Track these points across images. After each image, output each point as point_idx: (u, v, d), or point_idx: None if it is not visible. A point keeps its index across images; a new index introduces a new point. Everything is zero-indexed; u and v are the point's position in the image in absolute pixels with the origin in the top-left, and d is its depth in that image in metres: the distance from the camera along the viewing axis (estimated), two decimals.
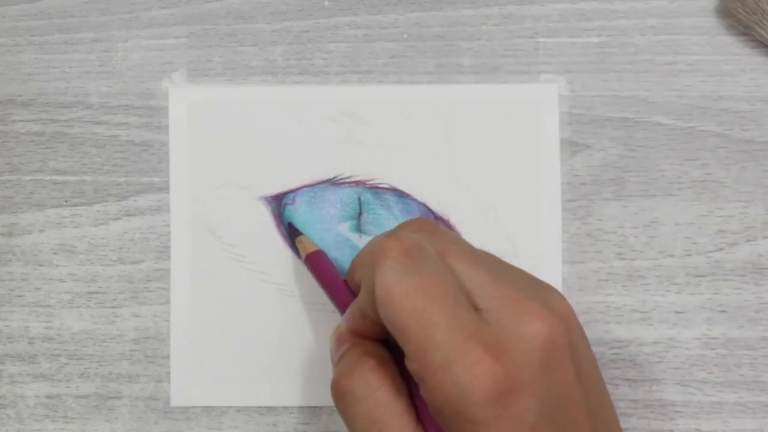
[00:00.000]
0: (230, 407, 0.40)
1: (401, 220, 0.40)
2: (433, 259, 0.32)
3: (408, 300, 0.31)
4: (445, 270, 0.32)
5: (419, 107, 0.41)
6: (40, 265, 0.41)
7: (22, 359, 0.41)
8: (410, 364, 0.31)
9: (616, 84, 0.41)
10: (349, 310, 0.34)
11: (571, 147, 0.41)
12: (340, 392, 0.33)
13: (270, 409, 0.40)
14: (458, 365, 0.30)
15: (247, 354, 0.40)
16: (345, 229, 0.40)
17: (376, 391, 0.32)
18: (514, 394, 0.30)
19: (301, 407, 0.40)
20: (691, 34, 0.41)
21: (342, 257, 0.40)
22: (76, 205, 0.41)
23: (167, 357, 0.40)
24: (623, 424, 0.40)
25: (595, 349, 0.39)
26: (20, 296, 0.41)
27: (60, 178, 0.41)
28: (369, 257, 0.33)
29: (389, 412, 0.32)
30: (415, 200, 0.41)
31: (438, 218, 0.40)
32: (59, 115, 0.41)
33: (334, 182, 0.41)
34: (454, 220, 0.40)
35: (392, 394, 0.32)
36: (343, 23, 0.42)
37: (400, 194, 0.41)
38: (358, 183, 0.41)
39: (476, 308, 0.31)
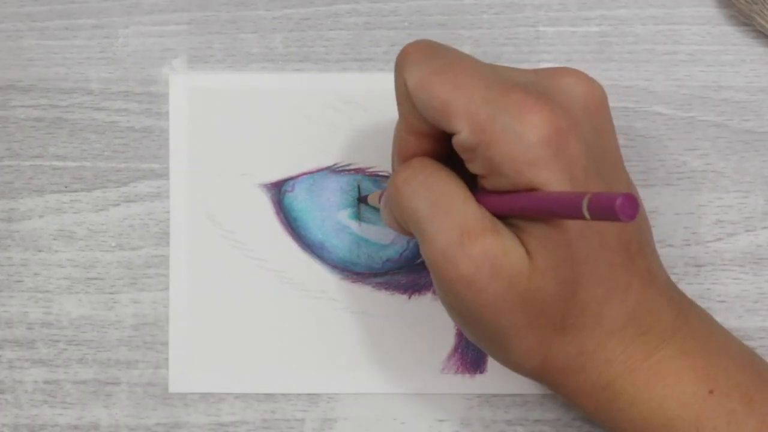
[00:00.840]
0: (228, 394, 0.40)
1: None
2: (450, 47, 0.33)
3: (440, 76, 0.31)
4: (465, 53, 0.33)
5: None
6: (40, 251, 0.41)
7: (21, 345, 0.41)
8: (459, 137, 0.31)
9: (616, 73, 0.41)
10: (394, 141, 0.34)
11: None
12: (401, 179, 0.32)
13: (268, 396, 0.40)
14: (507, 113, 0.30)
15: (245, 341, 0.40)
16: (344, 216, 0.41)
17: (439, 170, 0.32)
18: (565, 136, 0.30)
19: (299, 394, 0.40)
20: (691, 24, 0.41)
21: (341, 244, 0.40)
22: (75, 191, 0.41)
23: (166, 343, 0.40)
24: None
25: None
26: (19, 282, 0.41)
27: (60, 163, 0.41)
28: (395, 73, 0.33)
29: (451, 184, 0.32)
30: None
31: None
32: (59, 100, 0.41)
33: (333, 170, 0.41)
34: None
35: (451, 174, 0.32)
36: (344, 11, 0.42)
37: None
38: (357, 170, 0.41)
39: None
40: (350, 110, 0.41)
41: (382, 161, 0.41)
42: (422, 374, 0.40)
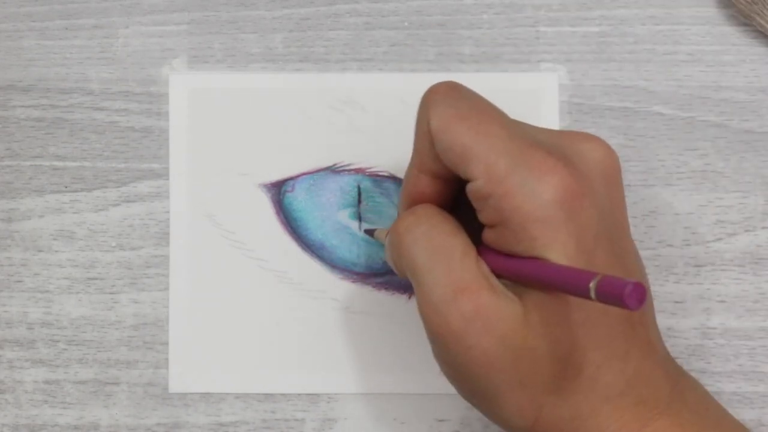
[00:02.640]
0: (228, 394, 0.40)
1: None
2: (476, 93, 0.33)
3: (464, 120, 0.31)
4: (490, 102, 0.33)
5: (419, 95, 0.41)
6: (40, 251, 0.41)
7: (21, 345, 0.41)
8: (474, 185, 0.31)
9: (616, 73, 0.41)
10: (404, 180, 0.34)
11: None
12: (403, 227, 0.33)
13: (268, 396, 0.40)
14: (525, 168, 0.30)
15: (245, 341, 0.40)
16: (344, 216, 0.41)
17: (442, 222, 0.32)
18: (580, 200, 0.30)
19: (299, 394, 0.40)
20: (691, 24, 0.41)
21: (341, 244, 0.40)
22: (75, 191, 0.41)
23: (166, 343, 0.40)
24: None
25: None
26: (19, 282, 0.41)
27: (60, 163, 0.41)
28: (420, 110, 0.33)
29: (452, 238, 0.32)
30: None
31: None
32: (59, 101, 0.41)
33: (333, 170, 0.41)
34: None
35: (455, 227, 0.32)
36: (344, 11, 0.42)
37: (400, 182, 0.41)
38: (357, 171, 0.41)
39: None
40: (350, 110, 0.41)
41: (382, 161, 0.41)
42: (422, 374, 0.40)
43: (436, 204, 0.34)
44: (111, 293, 0.41)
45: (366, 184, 0.41)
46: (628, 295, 0.25)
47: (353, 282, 0.40)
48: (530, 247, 0.30)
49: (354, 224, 0.40)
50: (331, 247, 0.40)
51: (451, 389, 0.40)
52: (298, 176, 0.41)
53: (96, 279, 0.41)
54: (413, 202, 0.34)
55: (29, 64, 0.42)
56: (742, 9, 0.40)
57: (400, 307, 0.40)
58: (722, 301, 0.40)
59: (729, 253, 0.40)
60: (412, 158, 0.34)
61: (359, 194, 0.41)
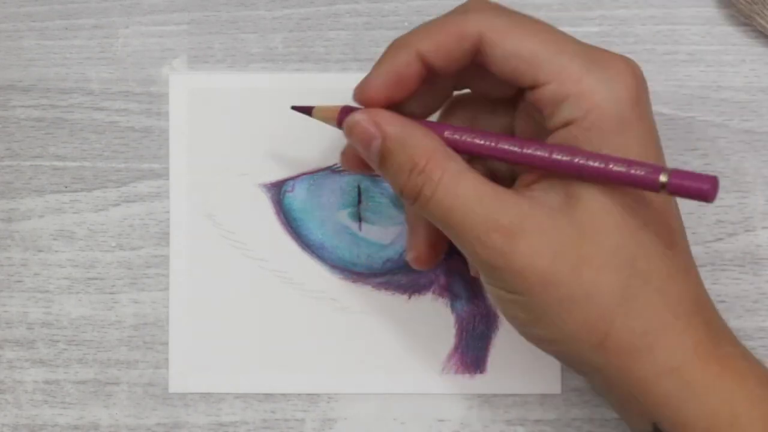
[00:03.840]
0: (228, 394, 0.40)
1: (401, 209, 0.40)
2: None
3: (524, 28, 0.32)
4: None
5: None
6: (40, 251, 0.41)
7: (21, 345, 0.41)
8: (545, 89, 0.31)
9: None
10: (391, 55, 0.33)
11: None
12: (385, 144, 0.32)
13: (268, 396, 0.40)
14: (598, 68, 0.31)
15: (245, 341, 0.40)
16: (344, 216, 0.41)
17: (418, 130, 0.32)
18: (647, 103, 0.32)
19: (299, 394, 0.40)
20: (691, 24, 0.41)
21: (341, 245, 0.40)
22: (75, 191, 0.41)
23: (166, 343, 0.40)
24: None
25: None
26: (19, 281, 0.41)
27: (60, 163, 0.41)
28: (457, 15, 0.33)
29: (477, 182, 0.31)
30: None
31: None
32: (59, 100, 0.41)
33: (333, 170, 0.41)
34: None
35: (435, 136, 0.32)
36: (344, 11, 0.42)
37: None
38: None
39: None
40: None
41: None
42: (422, 374, 0.40)
43: (411, 87, 0.33)
44: (111, 293, 0.41)
45: (366, 184, 0.41)
46: (706, 182, 0.28)
47: (353, 282, 0.40)
48: (604, 145, 0.31)
49: (354, 224, 0.40)
50: (331, 247, 0.40)
51: (452, 389, 0.40)
52: (298, 176, 0.41)
53: (96, 279, 0.41)
54: (393, 78, 0.33)
55: (29, 64, 0.42)
56: (742, 9, 0.40)
57: (400, 307, 0.40)
58: (722, 301, 0.40)
59: (729, 253, 0.40)
60: (401, 44, 0.33)
61: (359, 194, 0.41)
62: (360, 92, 0.33)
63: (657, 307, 0.31)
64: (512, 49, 0.31)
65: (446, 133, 0.33)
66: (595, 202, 0.31)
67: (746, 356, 0.32)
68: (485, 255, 0.31)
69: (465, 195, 0.31)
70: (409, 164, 0.32)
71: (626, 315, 0.31)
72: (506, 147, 0.32)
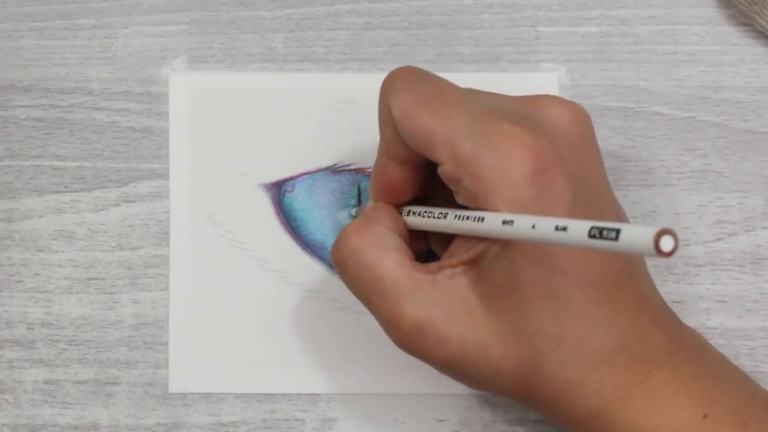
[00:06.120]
0: (228, 394, 0.40)
1: None
2: (435, 75, 0.33)
3: (426, 105, 0.31)
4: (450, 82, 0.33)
5: None
6: (40, 251, 0.41)
7: (21, 345, 0.41)
8: (443, 169, 0.31)
9: (616, 73, 0.41)
10: (374, 169, 0.35)
11: None
12: (337, 254, 0.34)
13: (268, 396, 0.40)
14: (491, 146, 0.30)
15: (245, 341, 0.40)
16: (344, 216, 0.41)
17: (369, 248, 0.33)
18: (551, 172, 0.30)
19: (299, 394, 0.40)
20: (691, 24, 0.41)
21: None
22: (75, 191, 0.41)
23: (166, 343, 0.40)
24: None
25: None
26: (19, 282, 0.41)
27: (60, 163, 0.41)
28: (380, 97, 0.33)
29: (379, 268, 0.32)
30: None
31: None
32: (59, 101, 0.41)
33: (333, 170, 0.41)
34: None
35: (387, 243, 0.33)
36: (344, 11, 0.42)
37: None
38: (357, 171, 0.41)
39: None
40: (350, 110, 0.41)
41: None
42: (422, 374, 0.40)
43: (409, 188, 0.34)
44: (111, 293, 0.41)
45: (366, 184, 0.41)
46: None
47: None
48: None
49: None
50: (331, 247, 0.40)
51: (451, 389, 0.40)
52: (298, 176, 0.41)
53: (96, 279, 0.41)
54: (384, 189, 0.34)
55: (29, 64, 0.42)
56: (742, 9, 0.40)
57: None
58: (722, 301, 0.40)
59: (729, 253, 0.40)
60: (380, 146, 0.34)
61: (359, 194, 0.41)
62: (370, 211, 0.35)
63: (573, 363, 0.31)
64: (412, 129, 0.31)
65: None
66: (502, 269, 0.31)
67: (680, 377, 0.32)
68: (396, 338, 0.33)
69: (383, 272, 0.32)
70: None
71: (540, 380, 0.31)
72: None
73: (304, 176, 0.41)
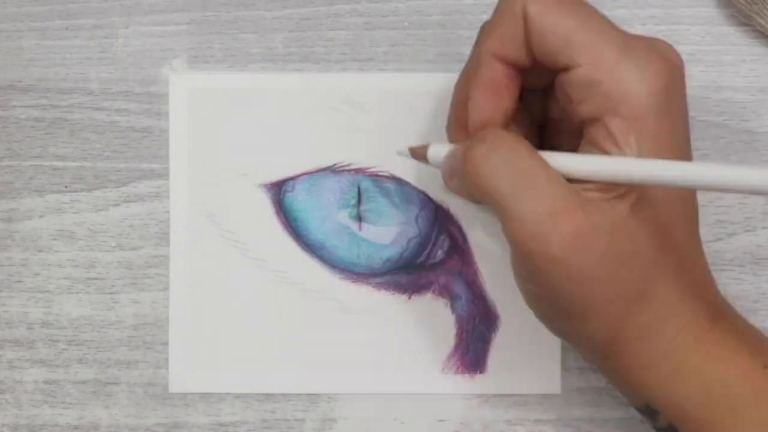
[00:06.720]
0: (228, 394, 0.40)
1: (401, 209, 0.40)
2: None
3: (566, 6, 0.32)
4: None
5: (419, 95, 0.41)
6: (40, 251, 0.41)
7: (21, 345, 0.41)
8: (577, 72, 0.31)
9: None
10: (455, 107, 0.35)
11: None
12: (479, 156, 0.32)
13: (268, 396, 0.40)
14: (636, 55, 0.31)
15: (245, 341, 0.40)
16: (344, 216, 0.41)
17: (518, 145, 0.32)
18: (678, 88, 0.32)
19: (299, 394, 0.40)
20: (691, 24, 0.41)
21: (341, 245, 0.40)
22: (75, 191, 0.41)
23: (166, 343, 0.40)
24: (622, 409, 0.40)
25: None
26: (19, 282, 0.41)
27: (60, 163, 0.41)
28: None
29: (534, 160, 0.31)
30: (414, 188, 0.41)
31: (438, 207, 0.40)
32: (59, 101, 0.41)
33: (333, 170, 0.41)
34: (454, 209, 0.40)
35: (532, 149, 0.32)
36: (344, 11, 0.42)
37: (400, 182, 0.41)
38: (357, 171, 0.41)
39: None
40: (350, 110, 0.41)
41: (381, 161, 0.41)
42: (422, 374, 0.40)
43: (513, 91, 0.34)
44: (111, 293, 0.41)
45: (366, 184, 0.41)
46: None
47: (353, 282, 0.40)
48: (634, 134, 0.30)
49: (354, 224, 0.40)
50: (331, 247, 0.40)
51: (452, 389, 0.40)
52: (298, 176, 0.41)
53: (96, 279, 0.41)
54: (477, 126, 0.33)
55: (29, 64, 0.42)
56: (742, 9, 0.40)
57: (400, 307, 0.40)
58: None
59: (729, 253, 0.40)
60: (480, 51, 0.33)
61: (359, 194, 0.41)
62: (472, 122, 0.34)
63: (667, 296, 0.32)
64: (550, 27, 0.31)
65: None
66: (632, 199, 0.31)
67: (739, 330, 0.33)
68: (540, 236, 0.31)
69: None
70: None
71: (639, 310, 0.32)
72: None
73: (304, 176, 0.41)
